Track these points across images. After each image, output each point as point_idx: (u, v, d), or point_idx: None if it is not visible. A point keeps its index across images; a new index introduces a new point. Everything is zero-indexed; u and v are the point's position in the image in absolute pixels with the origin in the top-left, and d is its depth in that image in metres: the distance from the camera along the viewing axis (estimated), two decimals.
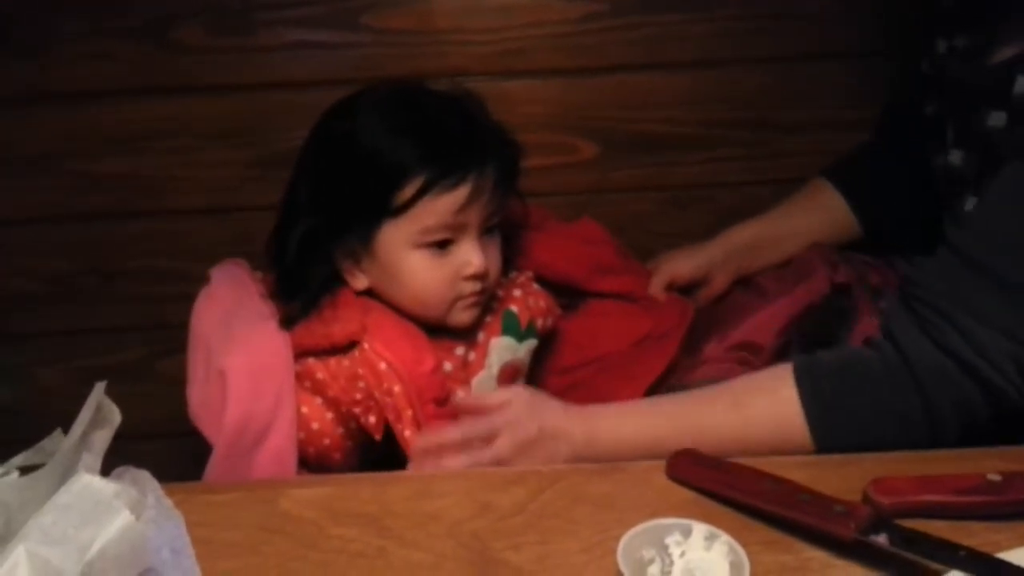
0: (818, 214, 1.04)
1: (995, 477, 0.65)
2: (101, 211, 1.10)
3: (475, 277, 0.85)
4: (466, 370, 0.88)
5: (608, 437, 0.79)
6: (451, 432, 0.79)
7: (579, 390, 0.94)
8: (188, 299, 1.14)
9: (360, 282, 0.86)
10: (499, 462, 0.77)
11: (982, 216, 0.76)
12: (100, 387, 0.62)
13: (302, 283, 0.85)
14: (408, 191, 0.81)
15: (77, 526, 0.48)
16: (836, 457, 0.73)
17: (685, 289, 1.05)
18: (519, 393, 0.82)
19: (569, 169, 1.12)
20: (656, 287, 1.03)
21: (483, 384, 0.89)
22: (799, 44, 1.07)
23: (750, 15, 1.06)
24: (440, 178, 0.81)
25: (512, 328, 0.90)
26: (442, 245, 0.84)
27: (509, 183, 0.87)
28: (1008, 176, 0.74)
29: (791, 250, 1.03)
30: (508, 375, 0.91)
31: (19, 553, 0.46)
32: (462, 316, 0.87)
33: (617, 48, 1.07)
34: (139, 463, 0.63)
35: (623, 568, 0.57)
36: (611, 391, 0.91)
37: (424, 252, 0.83)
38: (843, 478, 0.67)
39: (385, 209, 0.82)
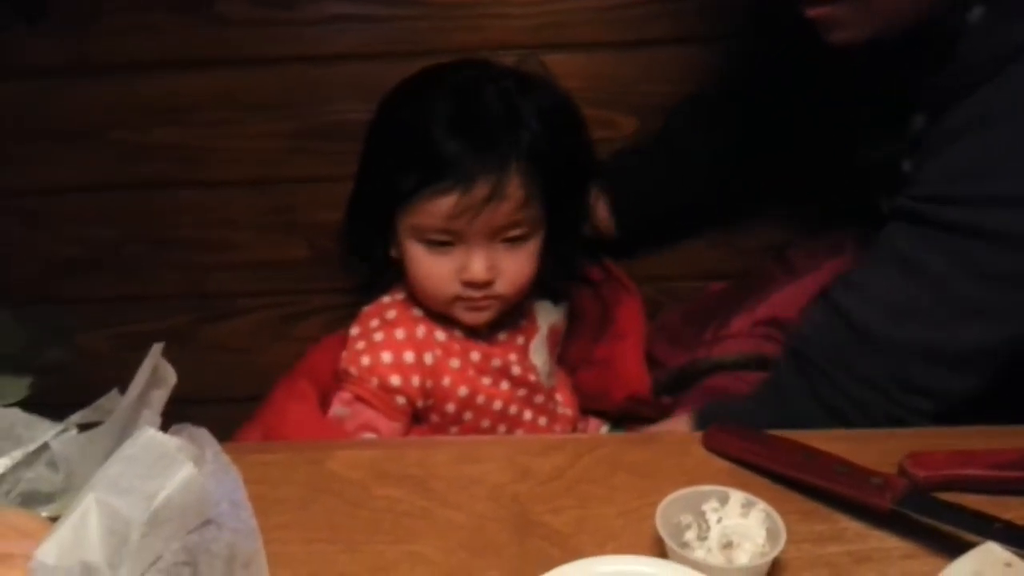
0: None
1: None
2: (146, 181, 1.12)
3: (472, 284, 0.83)
4: (525, 334, 0.90)
5: None
6: None
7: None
8: (230, 268, 1.17)
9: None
10: None
11: (865, 280, 0.78)
12: (158, 348, 0.64)
13: (366, 252, 0.89)
14: (407, 183, 0.81)
15: (143, 477, 0.50)
16: (873, 431, 0.73)
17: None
18: None
19: (608, 144, 1.12)
20: None
21: (538, 348, 0.91)
22: None
23: None
24: (435, 181, 0.79)
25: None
26: (441, 244, 0.83)
27: (537, 198, 0.83)
28: (889, 236, 0.77)
29: None
30: (553, 338, 0.93)
31: (89, 501, 0.48)
32: (466, 316, 0.86)
33: (655, 22, 1.06)
34: None
35: (661, 532, 0.58)
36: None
37: (423, 245, 0.83)
38: (879, 451, 0.68)
39: (394, 193, 0.82)
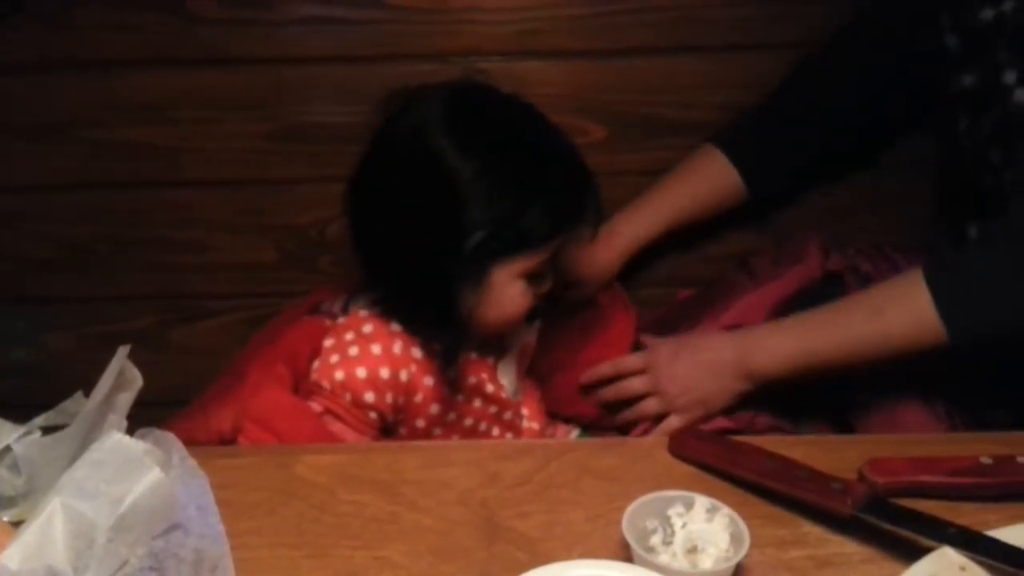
0: (706, 183, 1.06)
1: (987, 460, 0.67)
2: (117, 180, 1.12)
3: (542, 296, 0.87)
4: (496, 353, 0.91)
5: (763, 357, 0.85)
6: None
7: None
8: (202, 269, 1.17)
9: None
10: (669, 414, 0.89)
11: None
12: (123, 351, 0.63)
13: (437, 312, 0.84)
14: (542, 228, 0.81)
15: (109, 481, 0.50)
16: (833, 438, 0.75)
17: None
18: (657, 346, 0.89)
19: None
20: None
21: (506, 366, 0.92)
22: (814, 31, 1.06)
23: (766, 1, 1.06)
24: (577, 218, 0.84)
25: None
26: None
27: None
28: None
29: (682, 222, 1.05)
30: (523, 356, 0.94)
31: (55, 505, 0.48)
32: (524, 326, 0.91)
33: (633, 31, 1.08)
34: None
35: (628, 537, 0.59)
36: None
37: (524, 281, 0.84)
38: (840, 458, 0.69)
39: (527, 242, 0.82)
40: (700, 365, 0.89)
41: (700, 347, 0.91)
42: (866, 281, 0.99)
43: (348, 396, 0.83)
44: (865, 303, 0.83)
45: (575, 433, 0.98)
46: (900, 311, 0.80)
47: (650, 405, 0.92)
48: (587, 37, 1.08)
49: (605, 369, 0.95)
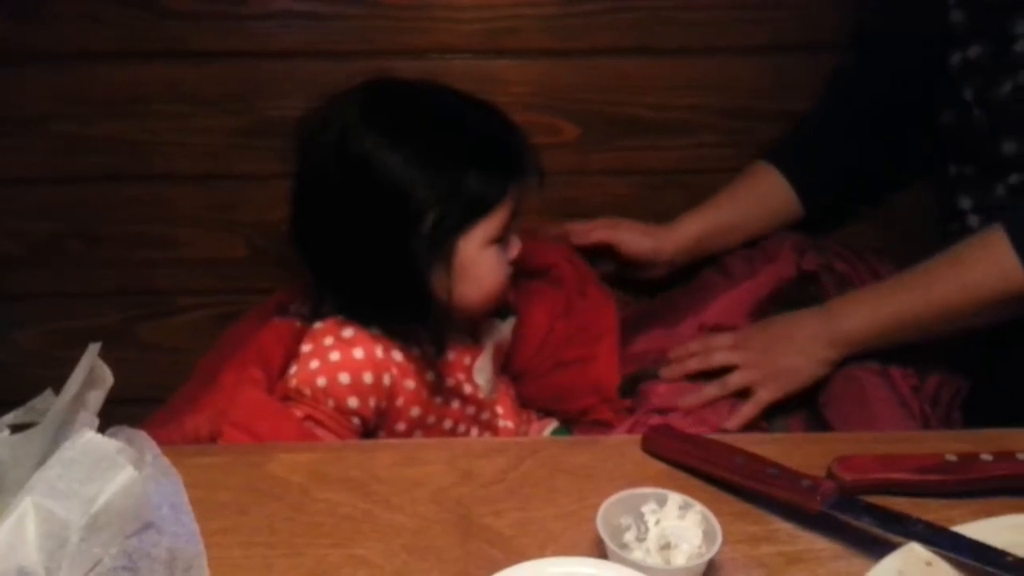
0: (765, 201, 1.07)
1: (952, 458, 0.68)
2: (88, 174, 1.11)
3: (516, 261, 0.87)
4: (471, 353, 0.91)
5: (852, 326, 0.87)
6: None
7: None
8: (173, 264, 1.16)
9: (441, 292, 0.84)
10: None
11: None
12: (94, 348, 0.62)
13: (390, 302, 0.84)
14: (496, 188, 0.83)
15: (82, 480, 0.49)
16: (803, 436, 0.76)
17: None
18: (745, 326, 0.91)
19: (550, 150, 1.13)
20: (590, 237, 1.06)
21: (482, 366, 0.92)
22: (788, 34, 1.09)
23: (739, 4, 1.08)
24: (523, 174, 0.84)
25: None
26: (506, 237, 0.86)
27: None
28: None
29: (738, 240, 1.07)
30: (498, 354, 0.94)
31: (26, 504, 0.48)
32: (508, 295, 0.90)
33: (605, 31, 1.09)
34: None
35: (602, 533, 0.59)
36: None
37: (497, 246, 0.85)
38: (809, 455, 0.70)
39: (481, 209, 0.82)
40: (789, 337, 0.90)
41: (787, 322, 0.92)
42: (842, 281, 1.00)
43: (331, 402, 0.82)
44: (948, 259, 0.85)
45: (551, 428, 0.99)
46: (983, 262, 0.82)
47: (735, 379, 0.91)
48: (560, 36, 1.09)
49: (694, 345, 0.95)
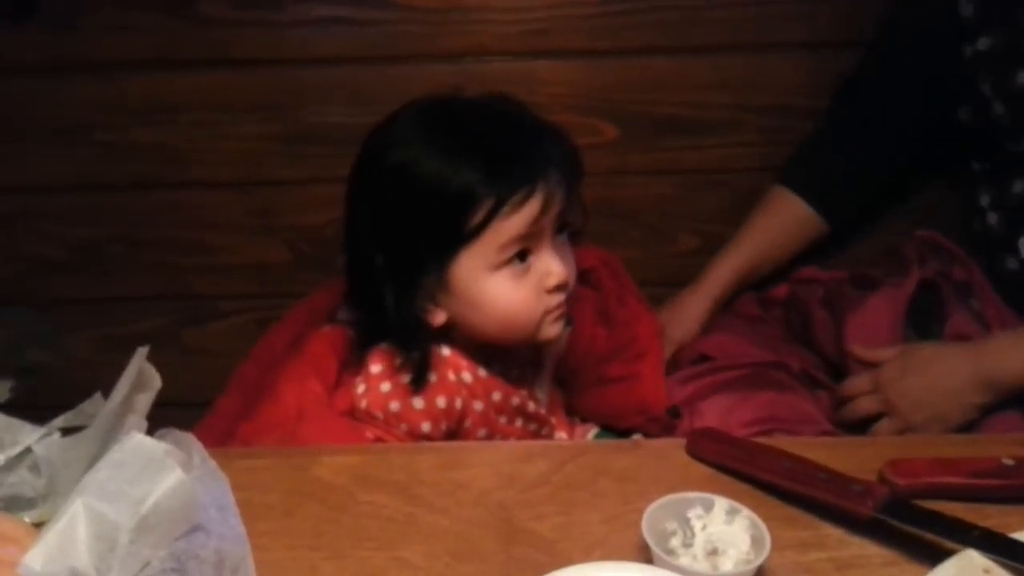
0: (787, 230, 1.06)
1: (1009, 461, 0.66)
2: (128, 181, 1.12)
3: (559, 288, 0.81)
4: (535, 369, 0.90)
5: (1009, 364, 0.84)
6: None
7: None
8: (213, 270, 1.17)
9: (439, 318, 0.81)
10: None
11: None
12: (142, 352, 0.63)
13: (396, 328, 0.81)
14: (479, 215, 0.76)
15: (131, 482, 0.50)
16: (853, 439, 0.75)
17: None
18: (884, 364, 0.89)
19: (589, 151, 1.12)
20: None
21: (542, 381, 0.92)
22: (825, 30, 1.07)
23: (776, 0, 1.06)
24: (510, 195, 0.76)
25: None
26: (521, 257, 0.80)
27: (574, 181, 0.82)
28: None
29: (767, 273, 1.06)
30: (554, 368, 0.94)
31: (77, 506, 0.48)
32: (551, 330, 0.83)
33: (642, 31, 1.08)
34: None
35: (648, 538, 0.59)
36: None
37: (505, 272, 0.79)
38: (860, 459, 0.69)
39: (458, 237, 0.78)
40: (933, 380, 0.87)
41: (931, 360, 0.88)
42: (961, 290, 0.97)
43: (404, 426, 0.81)
44: None
45: (593, 432, 0.98)
46: None
47: (884, 426, 0.89)
48: (597, 36, 1.08)
49: (853, 386, 0.92)
